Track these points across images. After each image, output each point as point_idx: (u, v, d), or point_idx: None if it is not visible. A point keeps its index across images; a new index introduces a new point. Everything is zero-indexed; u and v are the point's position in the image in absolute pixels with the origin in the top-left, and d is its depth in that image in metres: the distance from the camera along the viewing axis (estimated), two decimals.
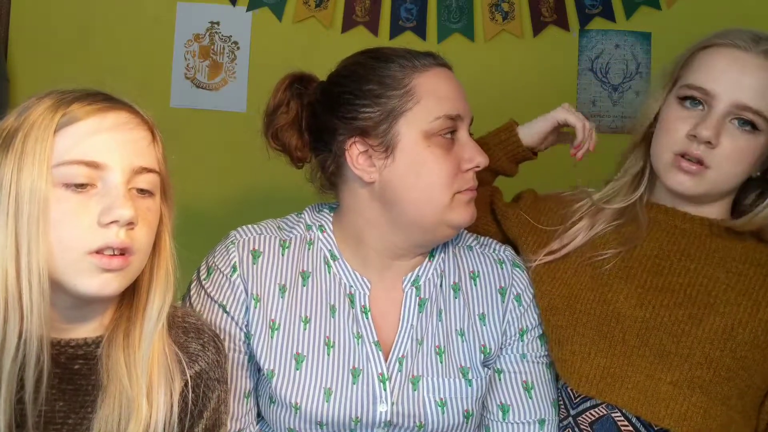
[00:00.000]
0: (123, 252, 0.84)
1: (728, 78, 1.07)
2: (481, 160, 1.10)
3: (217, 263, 1.12)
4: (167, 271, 0.92)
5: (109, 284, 0.84)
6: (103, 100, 0.87)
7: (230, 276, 1.11)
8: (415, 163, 1.07)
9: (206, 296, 1.11)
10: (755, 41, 1.08)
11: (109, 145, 0.84)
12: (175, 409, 0.89)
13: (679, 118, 1.10)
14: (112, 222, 0.83)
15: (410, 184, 1.08)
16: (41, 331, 0.81)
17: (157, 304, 0.90)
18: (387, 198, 1.09)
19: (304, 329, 1.10)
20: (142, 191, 0.87)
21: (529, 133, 1.31)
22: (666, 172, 1.11)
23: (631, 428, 1.05)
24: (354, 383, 1.08)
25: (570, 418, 1.11)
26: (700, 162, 1.07)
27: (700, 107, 1.09)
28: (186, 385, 0.93)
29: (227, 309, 1.10)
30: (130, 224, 0.84)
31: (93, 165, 0.83)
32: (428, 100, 1.07)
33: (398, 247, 1.13)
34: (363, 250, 1.13)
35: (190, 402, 0.93)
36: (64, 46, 1.95)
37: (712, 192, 1.10)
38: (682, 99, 1.10)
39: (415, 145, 1.07)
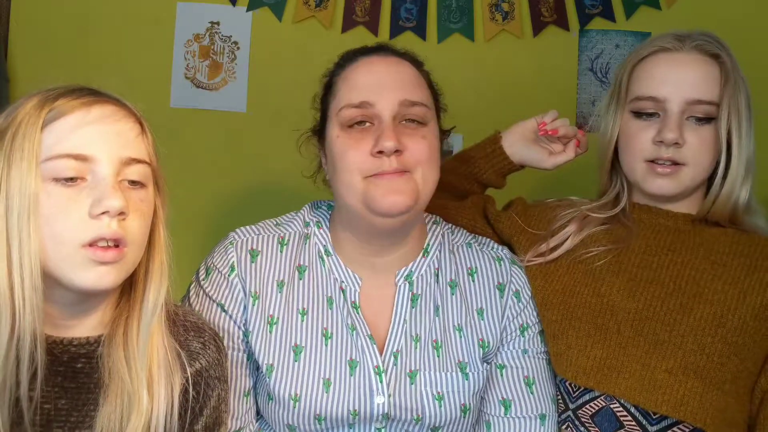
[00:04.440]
0: (117, 243, 0.84)
1: (672, 80, 1.13)
2: (384, 144, 1.04)
3: (215, 263, 1.13)
4: (162, 262, 0.92)
5: (105, 277, 0.84)
6: (88, 94, 0.87)
7: (228, 276, 1.12)
8: (333, 155, 1.10)
9: (205, 296, 1.12)
10: (681, 40, 1.15)
11: (96, 137, 0.85)
12: (176, 404, 0.90)
13: (640, 130, 1.16)
14: (102, 213, 0.83)
15: (335, 176, 1.10)
16: (34, 327, 0.81)
17: (153, 296, 0.90)
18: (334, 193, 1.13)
19: (302, 321, 1.11)
20: (133, 183, 0.88)
21: (513, 135, 1.33)
22: (644, 181, 1.16)
23: (630, 418, 1.07)
24: (351, 375, 1.09)
25: (570, 412, 1.13)
26: (673, 162, 1.13)
27: (656, 116, 1.14)
28: (187, 382, 0.93)
29: (225, 308, 1.11)
30: (121, 214, 0.84)
31: (81, 158, 0.83)
32: (341, 92, 1.10)
33: (363, 244, 1.14)
34: (348, 246, 1.15)
35: (190, 399, 0.93)
36: (64, 46, 1.94)
37: (690, 187, 1.15)
38: (637, 113, 1.16)
39: (334, 138, 1.09)
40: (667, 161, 1.13)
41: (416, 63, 1.15)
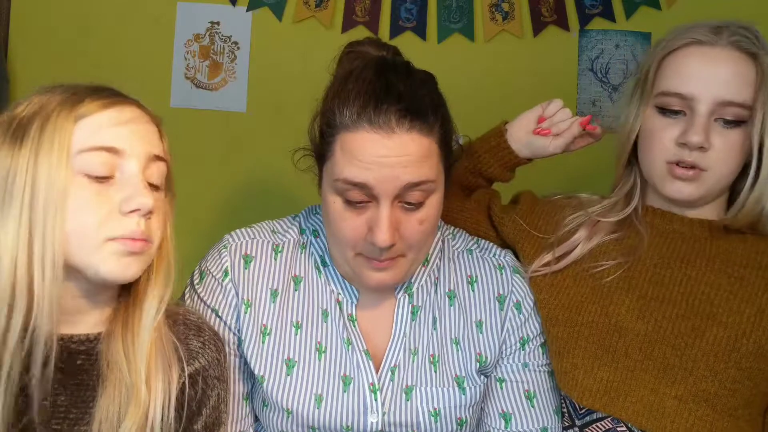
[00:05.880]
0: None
1: (703, 77, 1.04)
2: (378, 239, 0.98)
3: (209, 268, 1.11)
4: (168, 263, 0.93)
5: (130, 267, 0.86)
6: (115, 95, 0.89)
7: (222, 281, 1.09)
8: (327, 214, 1.05)
9: (199, 300, 1.10)
10: (716, 33, 1.05)
11: (127, 134, 0.87)
12: (173, 398, 0.90)
13: (664, 127, 1.07)
14: (133, 211, 0.84)
15: (327, 228, 1.07)
16: (51, 321, 0.82)
17: (158, 295, 0.91)
18: None
19: (296, 334, 1.09)
20: (152, 186, 0.89)
21: (518, 129, 1.25)
22: (662, 183, 1.09)
23: None
24: (345, 391, 1.06)
25: (576, 428, 1.09)
26: (695, 167, 1.05)
27: (682, 114, 1.06)
28: (185, 380, 0.93)
29: (219, 313, 1.09)
30: (149, 213, 0.86)
31: (113, 151, 0.85)
32: (339, 160, 0.99)
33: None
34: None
35: (189, 398, 0.93)
36: (64, 46, 1.95)
37: (711, 192, 1.09)
38: (662, 109, 1.08)
39: (330, 202, 1.02)
40: (688, 165, 1.05)
41: (428, 124, 0.99)
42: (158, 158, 0.90)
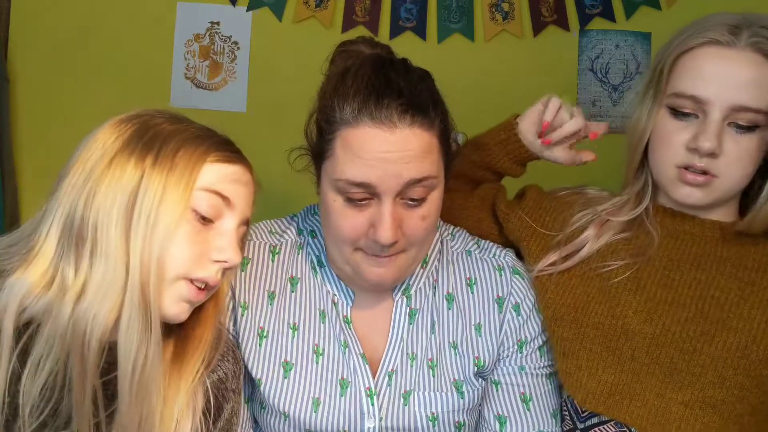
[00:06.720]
0: (207, 288, 0.90)
1: (719, 81, 0.99)
2: (381, 237, 0.97)
3: None
4: (223, 317, 0.98)
5: (184, 314, 0.89)
6: (240, 152, 0.95)
7: None
8: (325, 208, 1.03)
9: None
10: (735, 33, 1.00)
11: (239, 193, 0.92)
12: (197, 421, 0.91)
13: (675, 130, 1.04)
14: (220, 261, 0.88)
15: (325, 225, 1.06)
16: (160, 344, 0.85)
17: (207, 357, 0.94)
18: None
19: (293, 336, 1.08)
20: None
21: (525, 128, 1.21)
22: (672, 187, 1.06)
23: None
24: (342, 395, 1.05)
25: (578, 431, 1.07)
26: (705, 173, 1.02)
27: (694, 117, 1.02)
28: (205, 395, 0.94)
29: None
30: (230, 269, 0.91)
31: (227, 201, 0.90)
32: (340, 158, 0.98)
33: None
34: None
35: (206, 411, 0.93)
36: (64, 46, 1.95)
37: (723, 198, 1.06)
38: (674, 110, 1.04)
39: (328, 191, 1.01)
40: (698, 170, 1.02)
41: (429, 119, 0.98)
42: (247, 222, 0.94)
